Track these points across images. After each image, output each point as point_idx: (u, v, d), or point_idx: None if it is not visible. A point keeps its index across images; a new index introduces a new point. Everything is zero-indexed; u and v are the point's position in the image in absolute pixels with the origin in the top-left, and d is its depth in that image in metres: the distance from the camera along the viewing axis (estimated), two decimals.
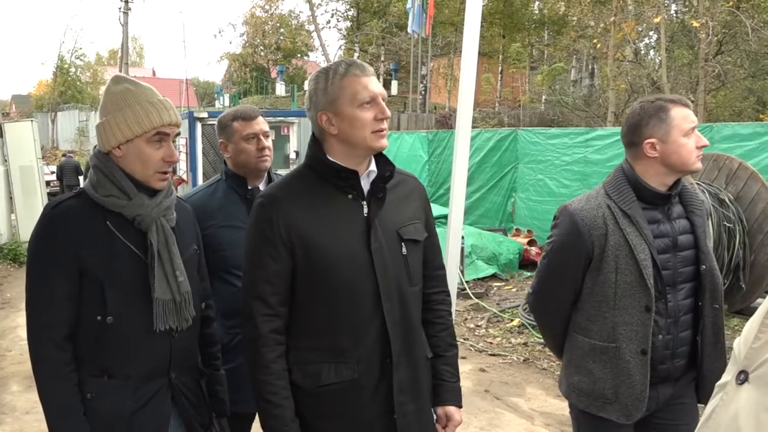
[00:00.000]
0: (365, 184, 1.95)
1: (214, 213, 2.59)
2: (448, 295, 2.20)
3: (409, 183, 2.08)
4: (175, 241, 1.97)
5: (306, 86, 2.27)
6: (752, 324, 1.22)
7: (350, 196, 1.92)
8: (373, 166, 1.96)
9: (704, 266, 2.30)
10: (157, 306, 1.90)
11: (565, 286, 2.41)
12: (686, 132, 2.25)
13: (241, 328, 1.97)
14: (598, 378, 2.36)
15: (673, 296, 2.29)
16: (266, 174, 2.74)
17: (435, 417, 2.11)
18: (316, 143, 1.95)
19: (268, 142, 2.68)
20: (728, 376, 1.23)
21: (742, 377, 1.17)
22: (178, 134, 2.06)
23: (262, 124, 2.68)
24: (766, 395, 1.11)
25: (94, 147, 2.03)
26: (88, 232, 1.88)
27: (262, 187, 2.68)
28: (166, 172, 1.97)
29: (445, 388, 2.10)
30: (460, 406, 2.13)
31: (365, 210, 1.92)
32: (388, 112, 1.89)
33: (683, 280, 2.30)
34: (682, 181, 2.37)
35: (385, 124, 1.88)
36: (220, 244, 2.54)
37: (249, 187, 2.66)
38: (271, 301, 1.89)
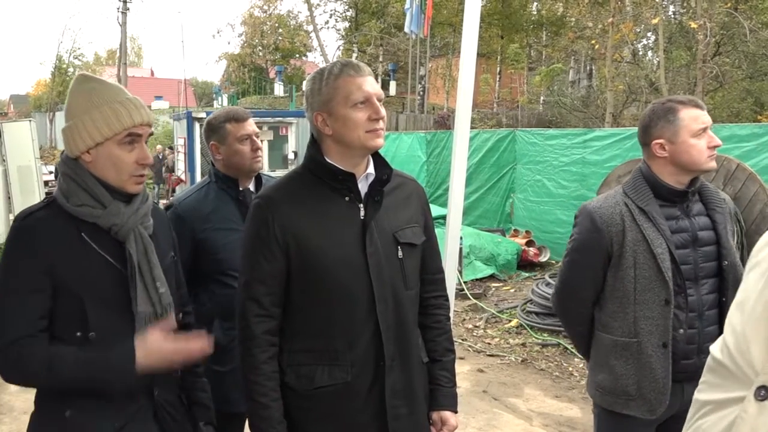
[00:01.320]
0: (363, 187, 1.94)
1: (209, 216, 2.57)
2: (447, 299, 2.20)
3: (408, 186, 2.07)
4: (154, 249, 1.87)
5: (304, 87, 2.25)
6: (758, 335, 1.13)
7: (347, 198, 1.91)
8: (371, 169, 1.96)
9: (726, 261, 2.34)
10: (139, 319, 1.80)
11: (587, 284, 2.46)
12: (695, 133, 2.29)
13: (237, 328, 1.96)
14: (621, 374, 2.39)
15: (695, 291, 2.33)
16: (256, 175, 2.74)
17: (430, 421, 2.11)
18: (315, 144, 1.95)
19: (260, 143, 2.69)
20: (740, 391, 1.13)
21: (763, 393, 1.09)
22: (152, 134, 1.94)
23: (253, 125, 2.69)
24: None
25: (62, 152, 1.90)
26: (61, 245, 1.75)
27: (251, 187, 2.69)
28: (141, 175, 1.85)
29: (441, 393, 2.09)
30: (455, 411, 2.12)
31: (362, 213, 1.92)
32: (383, 112, 1.87)
33: (706, 275, 2.35)
34: (701, 179, 2.41)
35: (380, 124, 1.87)
36: (215, 247, 2.53)
37: (240, 189, 2.67)
38: (264, 301, 1.89)
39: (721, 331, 2.35)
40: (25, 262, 1.74)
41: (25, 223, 1.78)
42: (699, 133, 2.29)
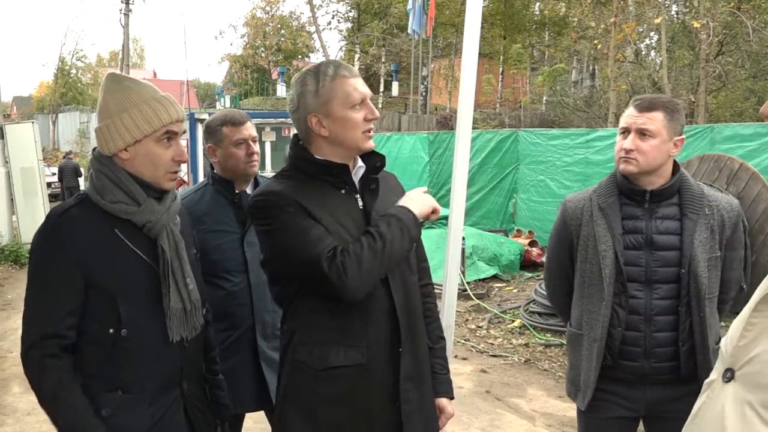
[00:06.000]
0: (354, 179, 1.96)
1: (203, 218, 2.58)
2: (434, 287, 2.23)
3: (390, 179, 2.11)
4: (184, 246, 1.92)
5: (293, 88, 2.22)
6: (738, 323, 1.25)
7: (343, 191, 1.93)
8: (360, 162, 1.98)
9: (683, 270, 2.28)
10: (171, 316, 1.84)
11: (559, 274, 2.56)
12: (621, 131, 2.34)
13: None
14: (572, 365, 2.50)
15: (644, 294, 2.30)
16: (253, 178, 2.74)
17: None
18: (299, 145, 1.95)
19: (257, 147, 2.68)
20: (715, 374, 1.25)
21: (729, 375, 1.20)
22: (185, 131, 1.95)
23: (250, 129, 2.68)
24: (751, 392, 1.15)
25: (94, 149, 1.93)
26: (96, 242, 1.78)
27: (249, 190, 2.69)
28: (175, 172, 1.90)
29: (437, 380, 2.12)
30: (452, 398, 2.16)
31: (360, 203, 1.94)
32: (377, 113, 1.91)
33: (660, 280, 2.30)
34: (680, 182, 2.34)
35: (372, 125, 1.91)
36: (207, 249, 2.52)
37: (236, 191, 2.66)
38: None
39: (676, 339, 2.29)
40: (59, 258, 1.76)
41: (60, 220, 1.80)
42: (622, 132, 2.35)
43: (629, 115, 2.32)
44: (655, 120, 2.27)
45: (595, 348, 2.35)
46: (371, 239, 1.80)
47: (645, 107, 2.30)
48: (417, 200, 1.92)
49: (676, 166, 2.36)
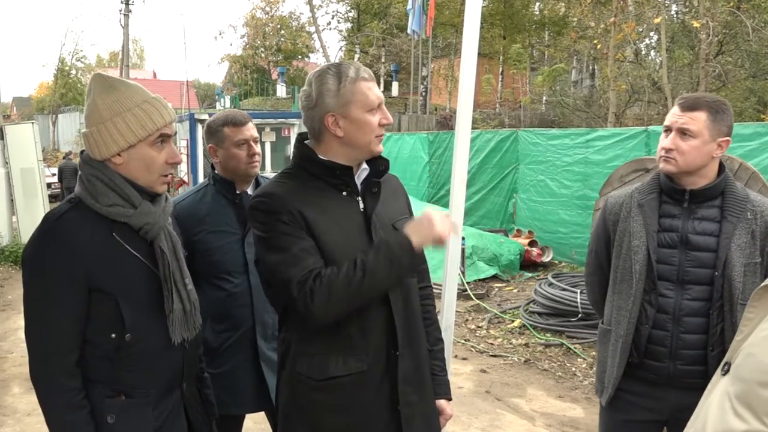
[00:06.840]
0: (357, 182, 1.97)
1: (204, 218, 2.58)
2: (432, 289, 2.24)
3: (392, 181, 2.12)
4: (181, 247, 1.92)
5: (312, 85, 2.19)
6: None
7: (344, 193, 1.93)
8: (364, 165, 1.99)
9: (717, 273, 2.23)
10: (173, 318, 1.83)
11: (596, 270, 2.56)
12: (665, 129, 2.32)
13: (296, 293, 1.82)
14: (599, 362, 2.48)
15: (675, 293, 2.27)
16: (254, 178, 2.74)
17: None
18: (304, 145, 1.96)
19: (258, 148, 2.68)
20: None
21: (726, 368, 1.25)
22: (176, 133, 1.91)
23: (252, 129, 2.68)
24: (732, 384, 1.21)
25: (82, 152, 1.90)
26: (96, 245, 1.75)
27: (250, 191, 2.68)
28: (167, 175, 1.87)
29: (435, 382, 2.13)
30: (450, 399, 2.18)
31: (361, 206, 1.95)
32: (390, 118, 1.93)
33: (692, 281, 2.26)
34: (726, 183, 2.30)
35: (384, 130, 1.94)
36: (209, 250, 2.54)
37: (237, 192, 2.66)
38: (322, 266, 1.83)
39: (705, 343, 2.25)
40: (62, 263, 1.72)
41: (59, 224, 1.76)
42: (666, 132, 2.31)
43: (673, 114, 2.28)
44: (697, 120, 2.22)
45: (620, 344, 2.33)
46: (352, 268, 1.77)
47: (688, 106, 2.25)
48: (424, 226, 1.82)
49: (722, 168, 2.31)
